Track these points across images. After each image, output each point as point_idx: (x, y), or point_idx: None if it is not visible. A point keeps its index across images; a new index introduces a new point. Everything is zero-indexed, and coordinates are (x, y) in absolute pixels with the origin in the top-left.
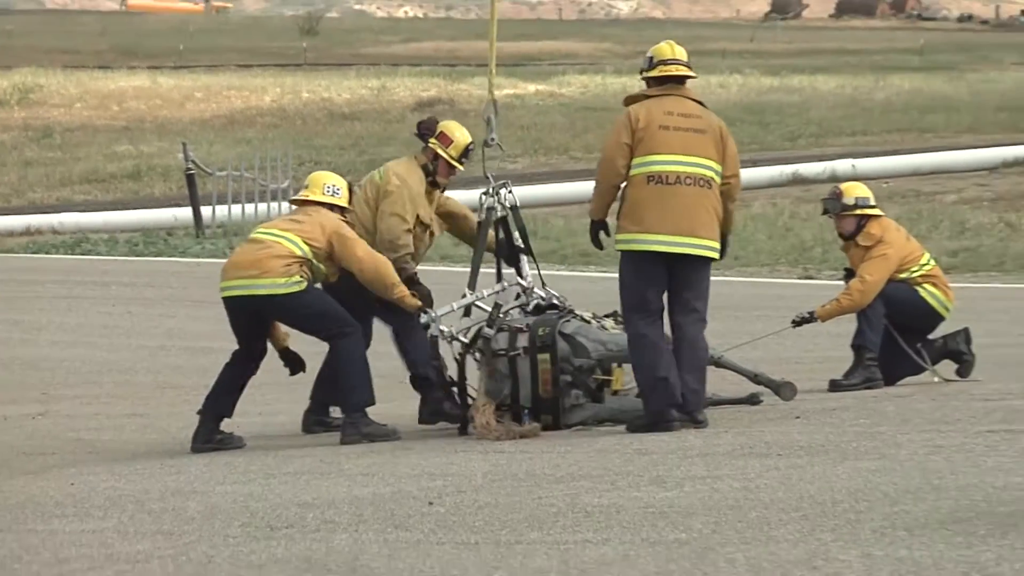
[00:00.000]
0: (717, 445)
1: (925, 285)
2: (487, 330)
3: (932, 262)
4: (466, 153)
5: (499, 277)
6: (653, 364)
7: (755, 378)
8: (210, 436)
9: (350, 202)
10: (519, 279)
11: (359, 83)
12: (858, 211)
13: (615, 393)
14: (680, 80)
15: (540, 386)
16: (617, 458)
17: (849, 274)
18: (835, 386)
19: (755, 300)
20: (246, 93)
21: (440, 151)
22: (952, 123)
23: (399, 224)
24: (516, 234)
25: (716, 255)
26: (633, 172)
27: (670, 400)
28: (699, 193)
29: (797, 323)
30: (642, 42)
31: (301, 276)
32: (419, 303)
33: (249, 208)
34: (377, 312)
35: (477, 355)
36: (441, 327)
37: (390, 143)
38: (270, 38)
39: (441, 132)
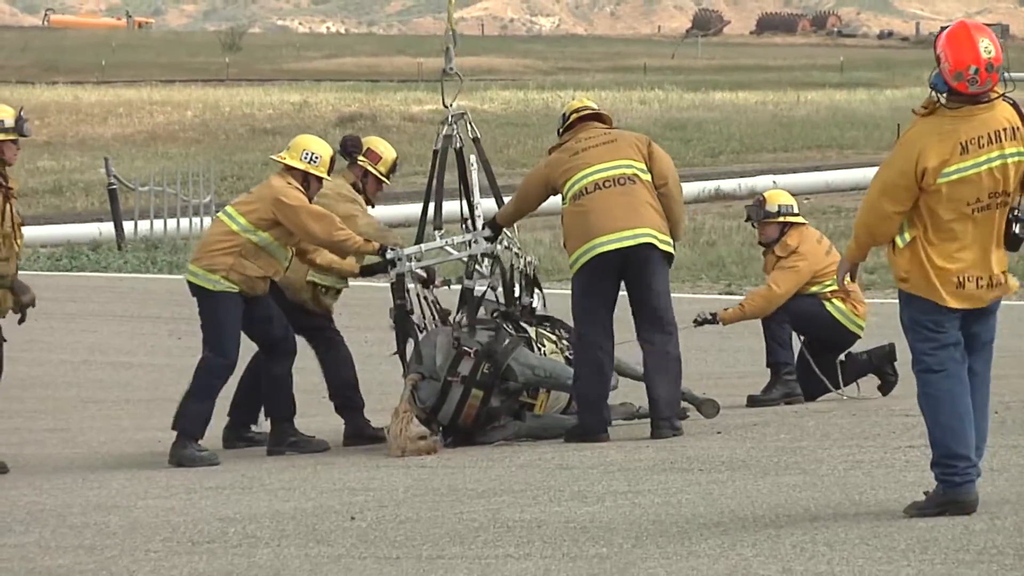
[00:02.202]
0: (638, 460)
1: (833, 300)
2: (467, 282)
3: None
4: (394, 168)
5: (462, 222)
6: (589, 386)
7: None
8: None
9: (329, 172)
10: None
11: (281, 98)
12: (781, 218)
13: (538, 416)
14: (590, 119)
15: (462, 417)
16: (538, 473)
17: None
18: (753, 401)
19: (677, 316)
20: (168, 108)
21: (370, 168)
22: (872, 140)
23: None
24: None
25: (666, 247)
26: (565, 200)
27: (600, 425)
28: (622, 191)
29: (699, 323)
30: (564, 58)
31: (223, 277)
32: (377, 245)
33: (171, 223)
34: (302, 334)
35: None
36: (408, 264)
37: None
38: (192, 53)
39: (369, 149)
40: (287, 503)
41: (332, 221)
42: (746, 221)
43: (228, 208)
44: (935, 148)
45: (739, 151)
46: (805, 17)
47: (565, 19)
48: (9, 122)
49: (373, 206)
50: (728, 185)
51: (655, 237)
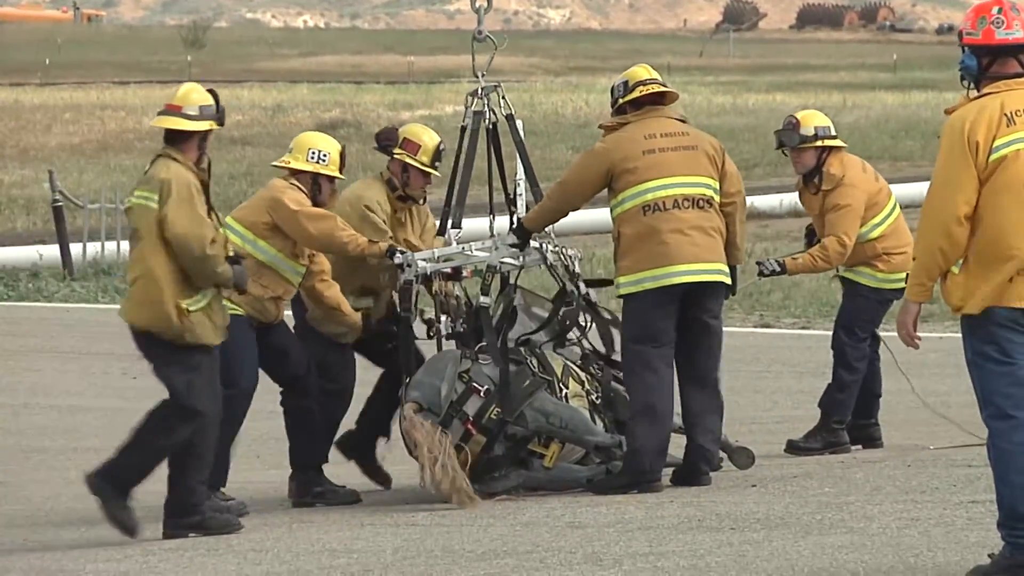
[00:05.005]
0: (662, 517)
1: (865, 271)
2: (483, 299)
3: (896, 211)
4: (438, 156)
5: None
6: (644, 437)
7: None
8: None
9: (341, 170)
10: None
11: (252, 102)
12: (819, 142)
13: (547, 468)
14: (658, 101)
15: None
16: (546, 532)
17: (810, 234)
18: (793, 448)
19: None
20: (122, 114)
21: (409, 160)
22: (930, 150)
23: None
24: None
25: (729, 280)
26: (626, 206)
27: (660, 448)
28: (702, 216)
29: (765, 275)
30: (576, 56)
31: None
32: (384, 247)
33: (125, 246)
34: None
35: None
36: (418, 270)
37: None
38: (149, 51)
39: (405, 139)
40: (258, 567)
41: (334, 221)
42: (777, 148)
43: (227, 219)
44: (980, 122)
45: (777, 163)
46: (852, 9)
47: (577, 11)
48: (209, 109)
49: (424, 201)
50: (764, 202)
51: (724, 273)
